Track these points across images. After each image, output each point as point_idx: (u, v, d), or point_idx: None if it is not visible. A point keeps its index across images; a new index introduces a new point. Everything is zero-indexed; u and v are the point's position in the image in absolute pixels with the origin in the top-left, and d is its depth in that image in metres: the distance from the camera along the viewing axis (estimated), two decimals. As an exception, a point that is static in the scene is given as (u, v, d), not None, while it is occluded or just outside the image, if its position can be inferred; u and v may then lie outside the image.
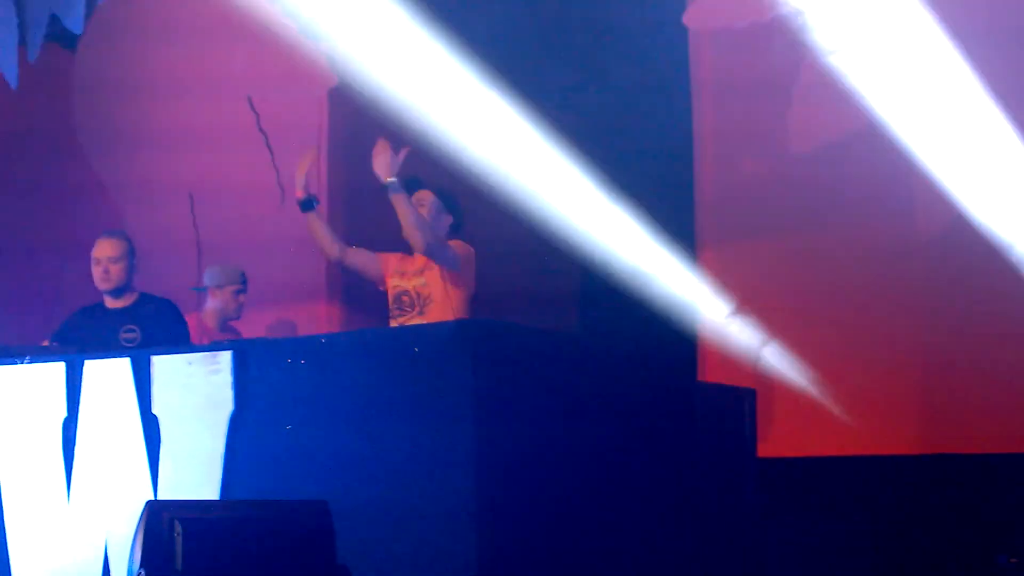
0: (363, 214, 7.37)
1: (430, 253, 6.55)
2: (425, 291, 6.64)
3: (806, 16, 7.16)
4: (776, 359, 7.29)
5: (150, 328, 6.99)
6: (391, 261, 6.79)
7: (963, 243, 7.07)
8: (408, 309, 6.65)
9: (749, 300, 7.35)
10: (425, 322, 6.54)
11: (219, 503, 5.04)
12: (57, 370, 5.69)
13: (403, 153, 6.50)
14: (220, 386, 5.34)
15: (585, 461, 5.25)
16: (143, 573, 4.95)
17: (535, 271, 7.62)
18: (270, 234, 8.32)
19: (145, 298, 7.18)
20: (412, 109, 7.43)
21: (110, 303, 7.17)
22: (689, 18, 7.51)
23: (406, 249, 6.67)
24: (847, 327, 7.18)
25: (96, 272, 7.13)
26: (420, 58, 7.53)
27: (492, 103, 7.58)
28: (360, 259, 6.87)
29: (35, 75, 9.57)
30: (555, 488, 5.06)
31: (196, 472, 5.32)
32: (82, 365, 5.64)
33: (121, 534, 5.37)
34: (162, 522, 4.28)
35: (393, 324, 6.68)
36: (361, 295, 7.50)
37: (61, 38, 9.53)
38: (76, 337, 7.04)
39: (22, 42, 9.61)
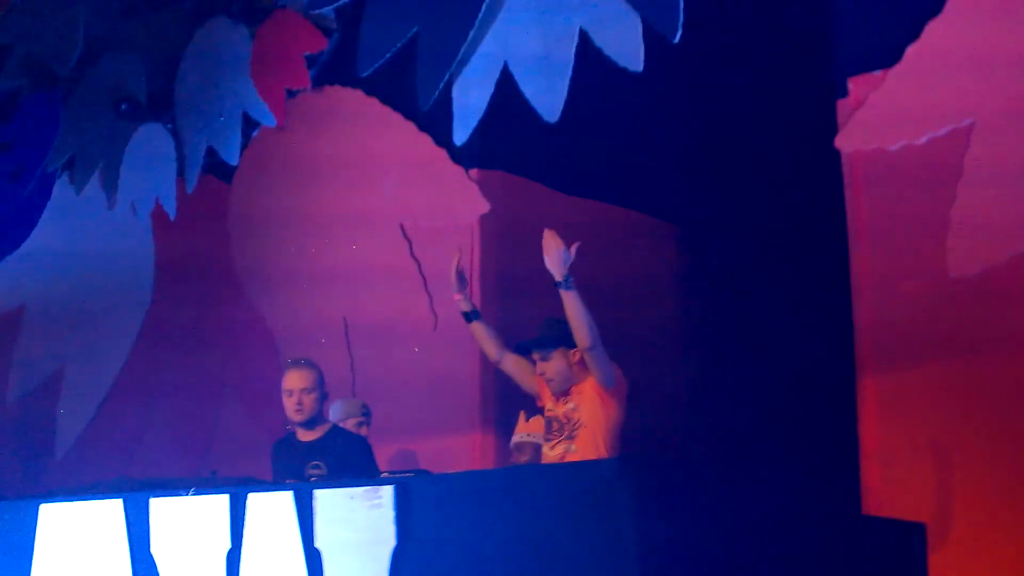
0: (517, 325, 7.36)
1: (594, 356, 6.46)
2: (575, 415, 6.60)
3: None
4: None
5: (338, 464, 6.94)
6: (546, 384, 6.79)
7: None
8: (558, 434, 6.63)
9: (913, 429, 7.20)
10: (574, 446, 6.52)
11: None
12: (221, 502, 5.75)
13: (575, 247, 6.46)
14: (382, 521, 5.36)
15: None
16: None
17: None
18: (423, 363, 8.36)
19: (336, 432, 7.16)
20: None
21: (302, 435, 7.13)
22: (841, 141, 7.48)
23: None
24: (1006, 464, 6.98)
25: (289, 404, 7.08)
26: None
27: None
28: (518, 370, 6.90)
29: (193, 206, 9.82)
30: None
31: (359, 606, 5.34)
32: (245, 498, 5.70)
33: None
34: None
35: (546, 447, 6.67)
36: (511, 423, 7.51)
37: (217, 170, 9.75)
38: (273, 471, 7.10)
39: (180, 174, 9.87)
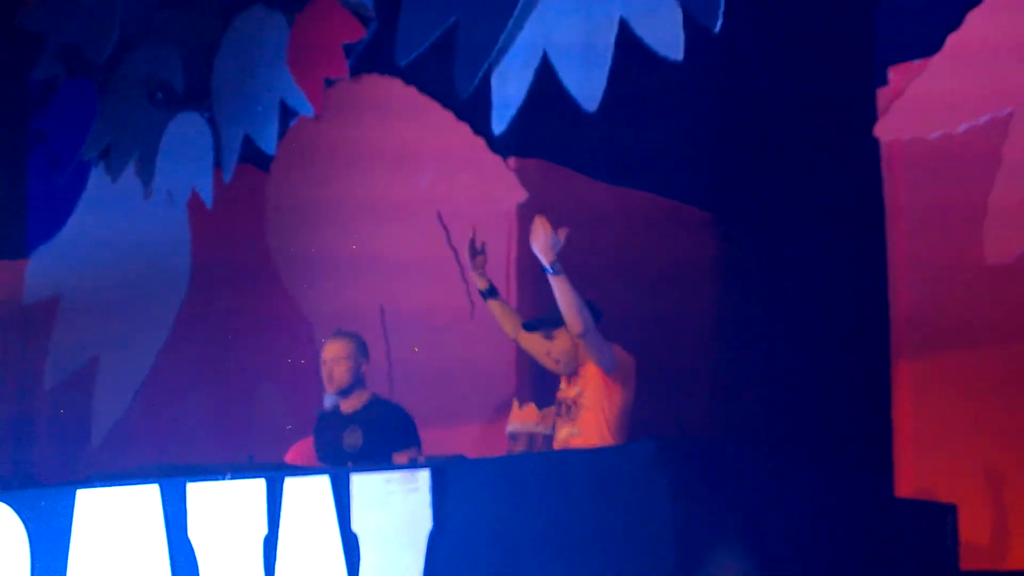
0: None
1: (587, 342, 6.33)
2: (581, 400, 6.54)
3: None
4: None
5: (375, 432, 6.95)
6: None
7: None
8: (565, 417, 6.58)
9: (947, 414, 7.19)
10: (576, 429, 6.47)
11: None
12: (258, 487, 5.75)
13: (564, 232, 6.30)
14: (419, 505, 5.35)
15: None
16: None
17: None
18: (460, 350, 8.36)
19: (376, 402, 7.14)
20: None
21: (343, 406, 7.14)
22: (880, 129, 7.45)
23: None
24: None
25: (323, 374, 7.11)
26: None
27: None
28: (533, 348, 6.86)
29: (230, 195, 9.83)
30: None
31: (396, 590, 5.34)
32: (282, 482, 5.71)
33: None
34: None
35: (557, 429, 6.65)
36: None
37: (255, 159, 9.76)
38: (316, 444, 7.12)
39: (217, 163, 9.89)
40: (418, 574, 5.29)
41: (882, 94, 7.49)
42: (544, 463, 5.39)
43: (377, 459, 6.76)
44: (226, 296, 9.59)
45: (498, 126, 8.61)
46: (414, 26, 8.91)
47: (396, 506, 5.41)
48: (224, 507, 5.81)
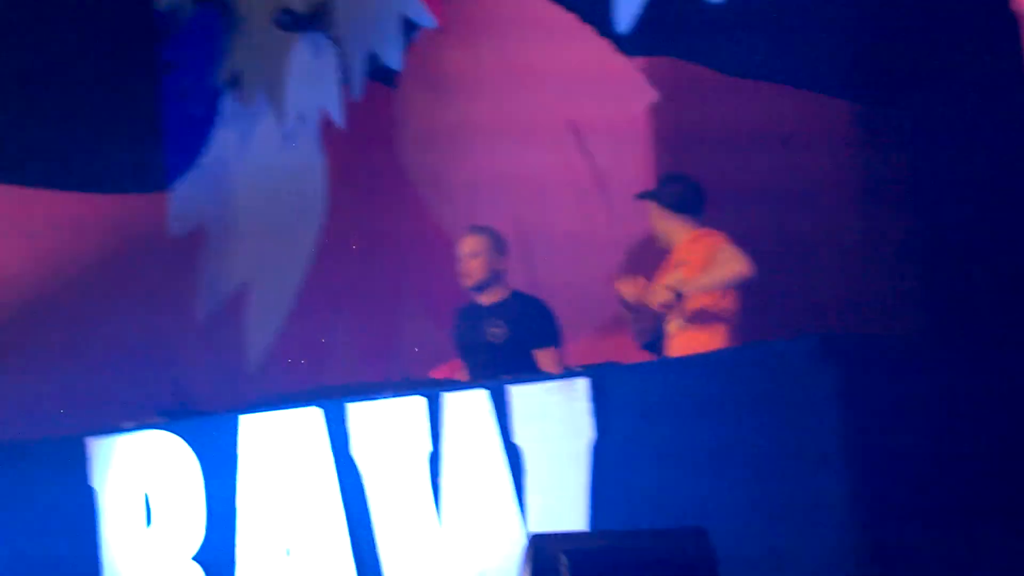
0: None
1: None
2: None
3: None
4: None
5: (517, 325, 6.98)
6: None
7: None
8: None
9: None
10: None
11: (598, 534, 5.08)
12: (418, 404, 5.83)
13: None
14: (579, 413, 5.39)
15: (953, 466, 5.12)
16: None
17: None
18: (600, 262, 8.31)
19: (517, 296, 7.16)
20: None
21: (482, 299, 7.16)
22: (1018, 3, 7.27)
23: None
24: None
25: (460, 270, 7.18)
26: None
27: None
28: None
29: (360, 113, 9.87)
30: (928, 503, 4.95)
31: (562, 501, 5.39)
32: (441, 398, 5.77)
33: (494, 565, 5.49)
34: (547, 555, 4.33)
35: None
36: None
37: (382, 76, 9.78)
38: (455, 337, 7.21)
39: (345, 81, 9.93)
40: (583, 484, 5.34)
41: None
42: (703, 364, 5.39)
43: (519, 352, 6.84)
44: (364, 215, 9.63)
45: (623, 25, 8.52)
46: (534, -70, 8.84)
47: (556, 416, 5.45)
48: (386, 425, 5.90)
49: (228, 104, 10.57)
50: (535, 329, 7.00)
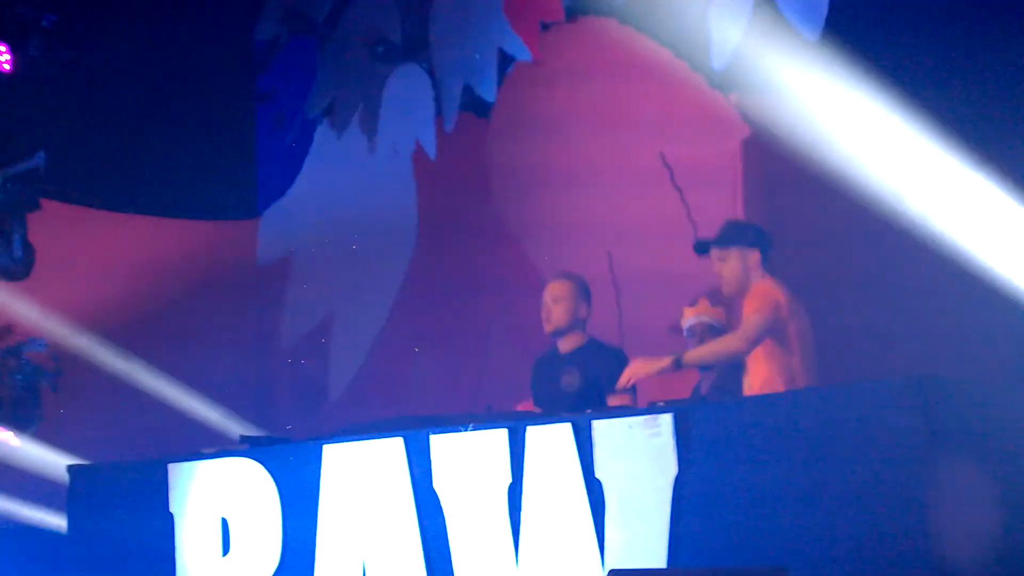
0: (787, 245, 7.21)
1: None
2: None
3: None
4: None
5: (592, 373, 6.94)
6: None
7: None
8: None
9: None
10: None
11: (678, 571, 5.00)
12: (500, 436, 5.78)
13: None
14: (662, 449, 5.31)
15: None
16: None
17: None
18: (686, 290, 8.25)
19: (593, 344, 7.13)
20: (832, 153, 7.28)
21: (560, 346, 7.15)
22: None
23: None
24: None
25: (543, 314, 7.15)
26: (838, 102, 7.40)
27: (908, 139, 7.35)
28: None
29: (452, 145, 9.88)
30: (1013, 549, 4.83)
31: (642, 536, 5.31)
32: (524, 431, 5.72)
33: (573, 600, 5.42)
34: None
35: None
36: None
37: (475, 107, 9.78)
38: (532, 387, 7.16)
39: (438, 113, 9.94)
40: (665, 520, 5.26)
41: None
42: (790, 402, 5.30)
43: (593, 401, 6.77)
44: (454, 247, 9.63)
45: (718, 61, 8.47)
46: (629, -35, 8.81)
47: (639, 451, 5.37)
48: (468, 457, 5.85)
49: (321, 133, 10.63)
50: (608, 377, 6.92)
